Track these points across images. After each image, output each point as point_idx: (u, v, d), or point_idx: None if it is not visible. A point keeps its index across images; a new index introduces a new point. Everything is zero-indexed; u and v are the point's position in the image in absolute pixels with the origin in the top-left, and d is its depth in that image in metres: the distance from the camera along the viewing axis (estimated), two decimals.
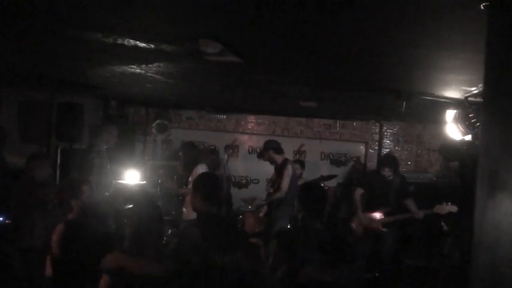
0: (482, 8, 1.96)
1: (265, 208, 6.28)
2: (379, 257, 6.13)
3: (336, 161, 8.79)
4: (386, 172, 6.05)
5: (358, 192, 6.23)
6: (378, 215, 6.05)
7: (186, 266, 2.79)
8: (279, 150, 6.17)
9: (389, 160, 6.38)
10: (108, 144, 5.90)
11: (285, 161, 6.08)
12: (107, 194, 5.67)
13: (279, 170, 6.11)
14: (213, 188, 3.44)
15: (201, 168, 6.10)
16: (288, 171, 5.95)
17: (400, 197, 6.14)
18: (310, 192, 3.61)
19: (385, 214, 6.05)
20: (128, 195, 6.07)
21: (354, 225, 6.12)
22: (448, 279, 5.98)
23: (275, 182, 6.20)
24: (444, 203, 5.81)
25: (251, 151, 9.07)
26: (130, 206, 3.20)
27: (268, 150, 6.17)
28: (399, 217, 6.04)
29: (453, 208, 5.80)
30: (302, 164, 7.53)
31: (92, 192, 3.58)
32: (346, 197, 7.57)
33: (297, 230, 3.50)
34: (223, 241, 3.01)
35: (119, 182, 6.48)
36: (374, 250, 6.11)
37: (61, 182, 4.76)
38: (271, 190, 6.24)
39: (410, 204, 6.12)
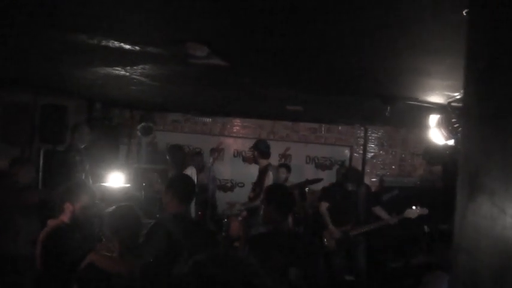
0: (464, 14, 1.99)
1: (244, 213, 6.25)
2: (353, 270, 6.10)
3: (321, 164, 8.82)
4: (349, 187, 6.02)
5: (324, 205, 6.11)
6: None
7: (150, 265, 2.81)
8: (264, 154, 6.11)
9: (352, 175, 6.25)
10: (83, 143, 5.89)
11: (267, 167, 6.03)
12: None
13: (260, 174, 6.08)
14: (185, 189, 3.45)
15: (190, 171, 6.09)
16: (269, 177, 5.88)
17: (369, 206, 6.16)
18: (274, 193, 3.48)
19: (355, 225, 6.00)
20: (112, 198, 6.02)
21: (325, 240, 5.98)
22: None
23: (256, 186, 6.16)
24: (414, 207, 5.84)
25: (236, 154, 9.06)
26: (113, 207, 3.19)
27: (255, 150, 6.15)
28: (371, 226, 6.02)
29: (424, 211, 5.81)
30: (288, 168, 7.55)
31: (89, 199, 3.54)
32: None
33: (268, 234, 3.43)
34: (189, 240, 3.02)
35: (102, 185, 6.42)
36: (348, 263, 6.06)
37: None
38: (251, 195, 6.20)
39: (380, 211, 6.12)
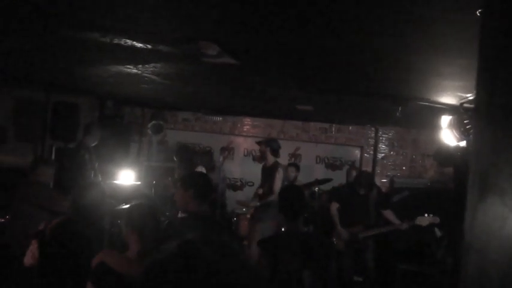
0: (478, 14, 1.97)
1: (252, 211, 6.26)
2: (361, 271, 6.13)
3: (331, 165, 8.80)
4: (361, 191, 6.00)
5: (334, 206, 6.09)
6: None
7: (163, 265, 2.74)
8: (275, 152, 6.17)
9: (364, 180, 6.16)
10: (93, 142, 5.95)
11: (277, 164, 6.06)
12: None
13: (269, 171, 6.09)
14: (206, 187, 3.41)
15: (200, 170, 6.14)
16: (280, 173, 5.93)
17: (379, 209, 6.17)
18: (286, 195, 3.47)
19: (365, 228, 5.99)
20: (122, 195, 6.07)
21: (334, 240, 5.98)
22: (441, 285, 6.00)
23: (264, 183, 6.16)
24: (426, 215, 5.80)
25: (246, 153, 9.07)
26: (126, 205, 3.14)
27: (268, 147, 6.17)
28: (381, 230, 6.02)
29: (435, 219, 5.80)
30: (297, 167, 7.54)
31: (98, 194, 3.55)
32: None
33: (279, 236, 3.41)
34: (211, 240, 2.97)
35: (113, 182, 6.47)
36: (356, 264, 6.08)
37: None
38: (260, 192, 6.20)
39: (390, 215, 6.09)
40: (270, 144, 6.16)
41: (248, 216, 6.30)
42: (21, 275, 4.17)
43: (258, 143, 6.47)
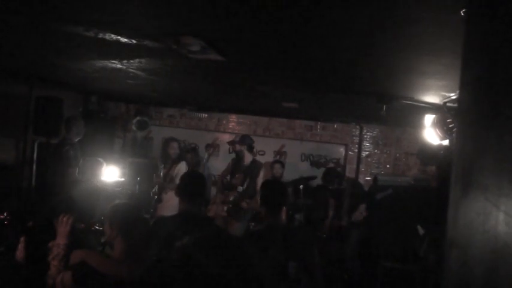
0: (462, 14, 1.99)
1: (214, 207, 6.18)
2: (344, 256, 6.51)
3: (316, 162, 8.83)
4: (331, 185, 6.75)
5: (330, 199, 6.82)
6: None
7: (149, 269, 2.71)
8: (251, 149, 6.22)
9: (329, 177, 6.97)
10: (78, 137, 5.87)
11: (258, 163, 6.06)
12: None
13: (250, 170, 6.04)
14: (191, 186, 3.43)
15: (182, 166, 6.11)
16: (262, 172, 5.99)
17: (353, 201, 6.57)
18: (269, 189, 3.52)
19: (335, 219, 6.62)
20: (106, 192, 6.00)
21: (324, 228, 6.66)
22: (423, 282, 6.07)
23: (244, 179, 6.11)
24: (359, 211, 6.46)
25: (232, 151, 9.05)
26: (113, 203, 3.07)
27: (244, 145, 6.12)
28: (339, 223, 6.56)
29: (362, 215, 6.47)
30: (282, 164, 7.56)
31: (91, 191, 3.52)
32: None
33: (262, 230, 3.42)
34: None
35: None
36: (340, 250, 6.53)
37: None
38: (240, 189, 6.13)
39: (361, 208, 6.55)
40: (246, 142, 6.12)
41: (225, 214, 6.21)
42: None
43: (231, 142, 6.50)
